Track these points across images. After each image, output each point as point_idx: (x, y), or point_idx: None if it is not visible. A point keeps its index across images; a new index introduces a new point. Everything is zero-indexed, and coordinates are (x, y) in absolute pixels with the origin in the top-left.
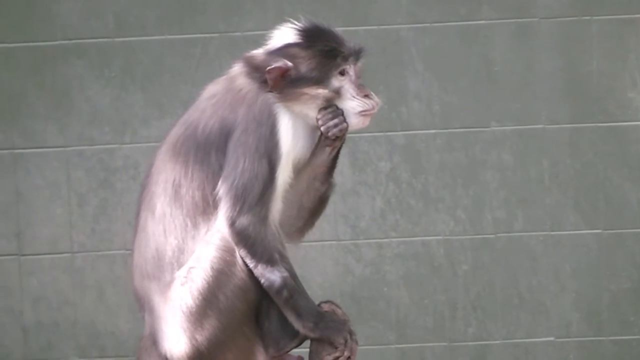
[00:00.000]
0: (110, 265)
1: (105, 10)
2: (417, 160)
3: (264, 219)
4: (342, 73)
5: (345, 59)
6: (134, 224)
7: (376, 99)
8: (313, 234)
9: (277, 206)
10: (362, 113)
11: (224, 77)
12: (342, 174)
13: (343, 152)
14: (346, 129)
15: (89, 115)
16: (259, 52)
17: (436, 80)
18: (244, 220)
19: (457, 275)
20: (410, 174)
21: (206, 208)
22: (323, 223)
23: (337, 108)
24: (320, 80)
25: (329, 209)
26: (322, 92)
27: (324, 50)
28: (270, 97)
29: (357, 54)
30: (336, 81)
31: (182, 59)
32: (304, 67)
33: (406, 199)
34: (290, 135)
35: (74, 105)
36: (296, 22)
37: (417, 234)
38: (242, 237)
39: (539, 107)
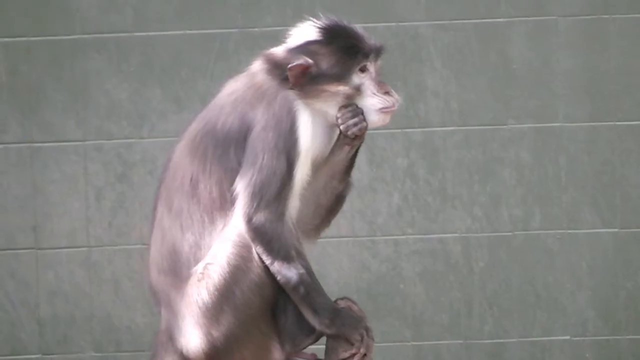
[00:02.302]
0: (127, 259)
1: (125, 5)
2: (435, 157)
3: (281, 215)
4: (363, 70)
5: (366, 56)
6: (151, 218)
7: (396, 96)
8: (330, 230)
9: (294, 203)
10: (383, 110)
11: (244, 74)
12: (360, 170)
13: (361, 148)
14: (365, 128)
15: (107, 109)
16: (278, 49)
17: (454, 77)
18: (261, 217)
19: (474, 273)
20: (428, 170)
21: (223, 204)
22: (340, 219)
23: (357, 107)
24: (341, 77)
25: (346, 205)
26: (342, 89)
27: (344, 47)
28: (291, 94)
29: (377, 51)
30: (357, 78)
31: (201, 53)
32: (325, 64)
33: (423, 195)
34: (310, 133)
35: (92, 99)
36: (316, 19)
37: (434, 230)
38: (259, 233)
39: (556, 105)
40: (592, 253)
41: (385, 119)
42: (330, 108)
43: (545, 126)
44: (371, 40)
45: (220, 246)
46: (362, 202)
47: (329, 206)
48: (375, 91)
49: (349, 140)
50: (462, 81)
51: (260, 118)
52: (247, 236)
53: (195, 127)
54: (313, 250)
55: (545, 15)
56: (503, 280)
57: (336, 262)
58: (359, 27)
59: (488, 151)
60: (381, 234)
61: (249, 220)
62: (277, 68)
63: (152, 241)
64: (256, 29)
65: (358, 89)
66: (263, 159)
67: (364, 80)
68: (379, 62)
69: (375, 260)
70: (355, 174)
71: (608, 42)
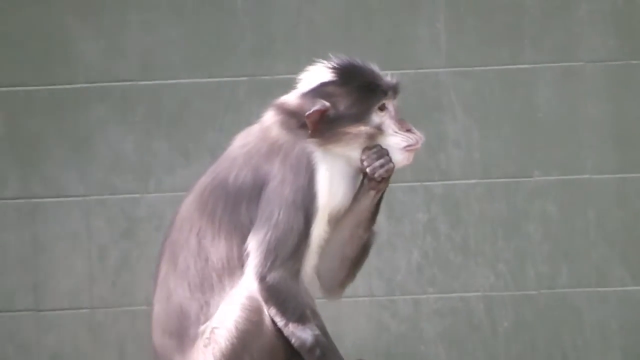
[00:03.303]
0: (132, 320)
1: (130, 52)
2: (456, 211)
3: (296, 274)
4: (382, 108)
5: (384, 93)
6: (154, 276)
7: (419, 133)
8: (346, 288)
9: (310, 261)
10: (407, 148)
11: (256, 126)
12: (378, 225)
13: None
14: (393, 169)
15: (111, 162)
16: (291, 97)
17: (476, 126)
18: (275, 275)
19: (498, 333)
20: (449, 225)
21: (232, 262)
22: (357, 277)
23: (382, 148)
24: (361, 117)
25: None
26: (363, 129)
27: (361, 86)
28: (308, 146)
29: (395, 88)
30: (376, 117)
31: (210, 103)
32: (343, 105)
33: (444, 252)
34: (328, 186)
35: (95, 152)
36: (327, 61)
37: (456, 289)
38: (273, 293)
39: (584, 156)
40: (622, 312)
41: (410, 157)
42: (353, 151)
43: (572, 178)
44: (387, 77)
45: (228, 309)
46: (380, 259)
47: (354, 257)
48: (397, 129)
49: (374, 183)
50: (484, 130)
51: (276, 172)
52: (258, 297)
53: (204, 180)
54: (329, 310)
55: (572, 61)
56: (529, 341)
57: (353, 322)
58: (372, 65)
59: (512, 204)
60: (400, 292)
61: (262, 279)
62: (292, 117)
63: (155, 300)
64: (268, 77)
65: (379, 129)
66: (279, 214)
67: (384, 119)
68: (397, 100)
69: (394, 320)
70: None
71: (638, 88)
